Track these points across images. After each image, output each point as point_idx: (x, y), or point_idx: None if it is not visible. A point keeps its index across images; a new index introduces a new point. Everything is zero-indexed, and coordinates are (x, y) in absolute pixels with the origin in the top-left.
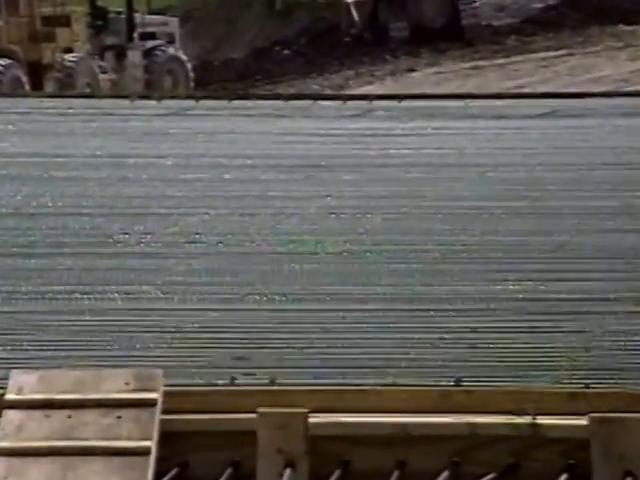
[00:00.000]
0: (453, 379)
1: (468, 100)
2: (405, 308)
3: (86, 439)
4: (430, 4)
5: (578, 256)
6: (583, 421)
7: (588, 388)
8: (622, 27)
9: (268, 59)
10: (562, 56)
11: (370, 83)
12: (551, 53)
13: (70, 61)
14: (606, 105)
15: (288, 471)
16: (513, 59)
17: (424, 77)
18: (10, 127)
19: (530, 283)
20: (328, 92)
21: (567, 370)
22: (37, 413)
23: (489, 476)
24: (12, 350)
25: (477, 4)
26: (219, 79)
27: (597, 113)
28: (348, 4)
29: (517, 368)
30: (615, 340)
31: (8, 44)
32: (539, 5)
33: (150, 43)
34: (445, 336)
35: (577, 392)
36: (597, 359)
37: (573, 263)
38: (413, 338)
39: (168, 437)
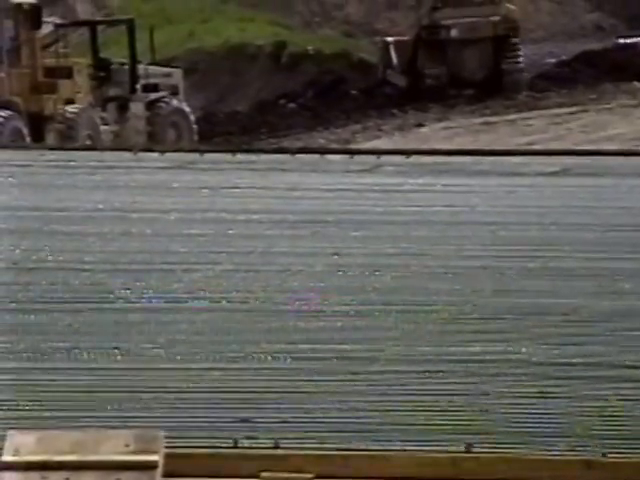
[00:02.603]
0: (464, 445)
1: (479, 156)
2: (414, 370)
3: None
4: (471, 55)
5: (593, 319)
6: None
7: (604, 457)
8: (636, 84)
9: (273, 112)
10: (575, 112)
11: (377, 137)
12: (564, 109)
13: (71, 112)
14: (621, 164)
15: None
16: (525, 115)
17: (433, 132)
18: (10, 179)
19: (544, 346)
20: (334, 146)
21: (582, 437)
22: (34, 475)
23: None
24: (9, 409)
25: (521, 60)
26: (223, 132)
27: (612, 172)
28: (388, 43)
29: (530, 434)
30: (632, 407)
31: (10, 95)
32: (552, 60)
33: (153, 95)
34: (455, 399)
35: (593, 461)
36: (613, 426)
37: (588, 326)
38: (422, 401)
39: None
